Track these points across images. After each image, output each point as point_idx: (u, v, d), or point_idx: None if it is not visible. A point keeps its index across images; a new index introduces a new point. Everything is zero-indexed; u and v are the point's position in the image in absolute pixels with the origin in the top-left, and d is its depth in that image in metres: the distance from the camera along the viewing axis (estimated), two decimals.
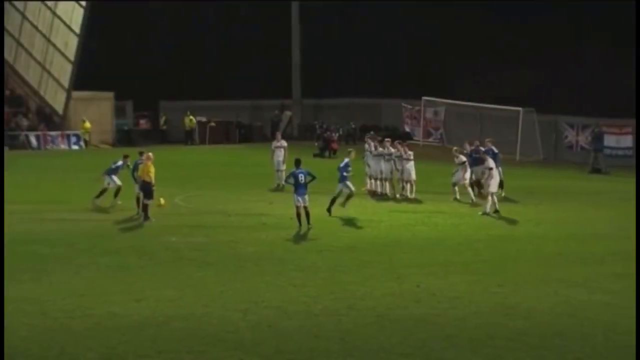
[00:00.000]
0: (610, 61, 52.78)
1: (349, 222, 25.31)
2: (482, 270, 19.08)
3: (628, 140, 43.80)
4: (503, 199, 28.60)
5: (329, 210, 26.00)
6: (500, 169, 28.41)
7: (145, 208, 24.85)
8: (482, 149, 29.99)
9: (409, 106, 53.02)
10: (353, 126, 53.16)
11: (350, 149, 28.64)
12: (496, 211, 26.63)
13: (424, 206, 28.37)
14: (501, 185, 28.64)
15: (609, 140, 44.03)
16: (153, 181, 25.13)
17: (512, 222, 25.64)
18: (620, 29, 53.24)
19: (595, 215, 27.19)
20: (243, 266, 19.37)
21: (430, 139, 50.65)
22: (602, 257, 20.53)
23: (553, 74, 54.80)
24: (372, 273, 18.77)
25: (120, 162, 28.04)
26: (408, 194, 29.70)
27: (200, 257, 20.26)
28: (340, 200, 26.53)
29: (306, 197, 23.76)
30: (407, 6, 59.30)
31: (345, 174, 26.57)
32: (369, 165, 30.77)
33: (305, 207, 23.75)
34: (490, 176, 26.97)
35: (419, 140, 49.60)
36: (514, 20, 57.94)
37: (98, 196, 27.37)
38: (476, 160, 29.47)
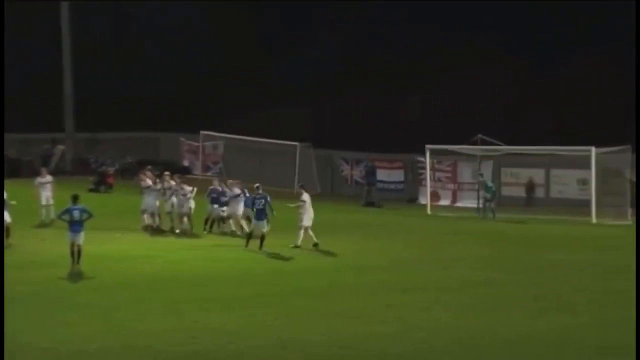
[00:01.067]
0: (381, 99, 55.38)
1: (125, 258, 25.02)
2: (260, 304, 19.42)
3: (399, 175, 46.02)
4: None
5: (247, 245, 26.46)
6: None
7: None
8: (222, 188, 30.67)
9: (188, 140, 53.16)
10: (130, 160, 52.60)
11: (257, 184, 28.44)
12: (296, 246, 27.28)
13: (202, 241, 28.48)
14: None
15: (381, 175, 46.06)
16: None
17: (290, 256, 26.24)
18: (394, 70, 56.05)
19: (370, 247, 28.31)
20: (12, 307, 18.70)
21: (210, 173, 50.92)
22: (375, 288, 21.43)
23: (329, 110, 56.74)
24: (149, 309, 18.67)
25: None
26: (188, 228, 29.75)
27: None
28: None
29: (81, 234, 23.30)
30: (177, 40, 59.60)
31: (259, 207, 26.60)
32: (143, 200, 30.54)
33: (78, 245, 23.27)
34: (304, 210, 27.62)
35: (198, 175, 49.74)
36: (286, 57, 59.60)
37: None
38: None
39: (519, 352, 15.34)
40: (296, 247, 27.32)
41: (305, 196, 28.16)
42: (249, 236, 27.11)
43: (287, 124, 54.04)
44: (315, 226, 32.42)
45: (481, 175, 39.63)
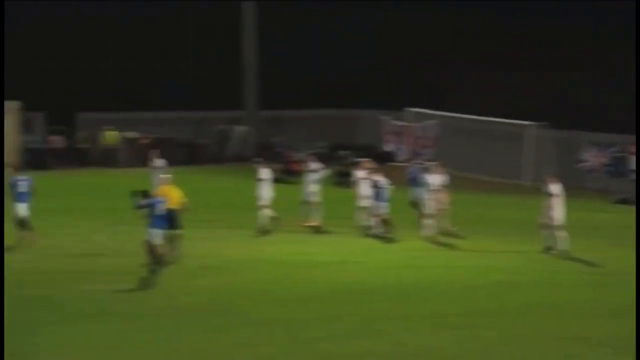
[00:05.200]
0: None
1: (312, 265, 25.36)
2: (480, 324, 19.16)
3: None
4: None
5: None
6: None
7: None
8: None
9: (391, 120, 53.10)
10: (322, 144, 53.19)
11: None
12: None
13: (409, 244, 28.41)
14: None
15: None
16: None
17: (517, 265, 25.82)
18: None
19: (620, 255, 27.29)
20: (181, 321, 19.33)
21: (419, 161, 50.72)
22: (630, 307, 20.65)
23: (575, 79, 55.18)
24: (342, 328, 18.78)
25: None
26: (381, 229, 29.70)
27: (128, 310, 20.20)
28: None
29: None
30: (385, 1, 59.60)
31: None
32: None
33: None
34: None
35: (402, 162, 49.58)
36: (523, 13, 58.48)
37: None
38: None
39: None
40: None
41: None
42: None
43: (522, 99, 52.72)
44: None
45: None
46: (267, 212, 30.18)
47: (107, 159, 53.12)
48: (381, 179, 29.76)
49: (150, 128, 54.67)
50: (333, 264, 25.48)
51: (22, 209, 27.74)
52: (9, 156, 51.87)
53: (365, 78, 58.05)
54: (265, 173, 30.66)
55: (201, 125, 57.17)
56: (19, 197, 27.90)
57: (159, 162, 34.85)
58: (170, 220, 24.77)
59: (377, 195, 29.36)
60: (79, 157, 53.82)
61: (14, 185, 28.06)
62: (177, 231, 25.23)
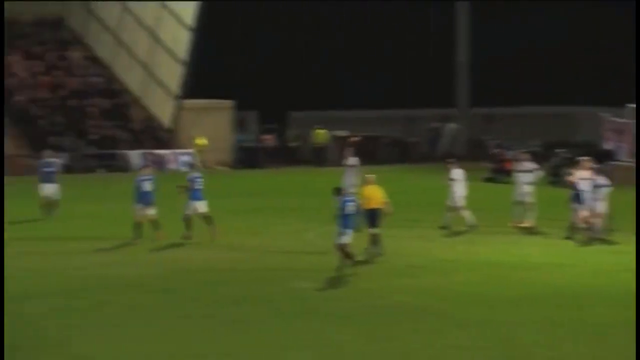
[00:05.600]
0: None
1: (528, 266, 24.85)
2: None
3: None
4: None
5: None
6: None
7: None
8: None
9: (611, 117, 51.71)
10: (536, 143, 52.30)
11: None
12: None
13: (627, 247, 27.55)
14: None
15: None
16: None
17: None
18: None
19: None
20: (390, 321, 19.23)
21: None
22: None
23: None
24: (559, 333, 18.27)
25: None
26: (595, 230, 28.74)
27: (336, 310, 20.23)
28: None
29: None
30: None
31: None
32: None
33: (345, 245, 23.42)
34: None
35: (622, 161, 48.20)
36: None
37: None
38: None
39: None
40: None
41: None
42: None
43: None
44: None
45: None
46: (465, 213, 30.26)
47: (317, 157, 53.80)
48: (584, 181, 28.69)
49: (361, 127, 55.07)
50: (546, 266, 24.93)
51: (201, 206, 28.32)
52: (223, 155, 53.34)
53: (583, 74, 56.79)
54: (457, 173, 30.69)
55: (412, 123, 57.26)
56: (195, 194, 28.35)
57: (353, 160, 34.94)
58: (372, 219, 25.11)
59: (577, 198, 28.43)
60: (289, 155, 54.77)
61: (192, 181, 28.53)
62: (377, 230, 25.26)
